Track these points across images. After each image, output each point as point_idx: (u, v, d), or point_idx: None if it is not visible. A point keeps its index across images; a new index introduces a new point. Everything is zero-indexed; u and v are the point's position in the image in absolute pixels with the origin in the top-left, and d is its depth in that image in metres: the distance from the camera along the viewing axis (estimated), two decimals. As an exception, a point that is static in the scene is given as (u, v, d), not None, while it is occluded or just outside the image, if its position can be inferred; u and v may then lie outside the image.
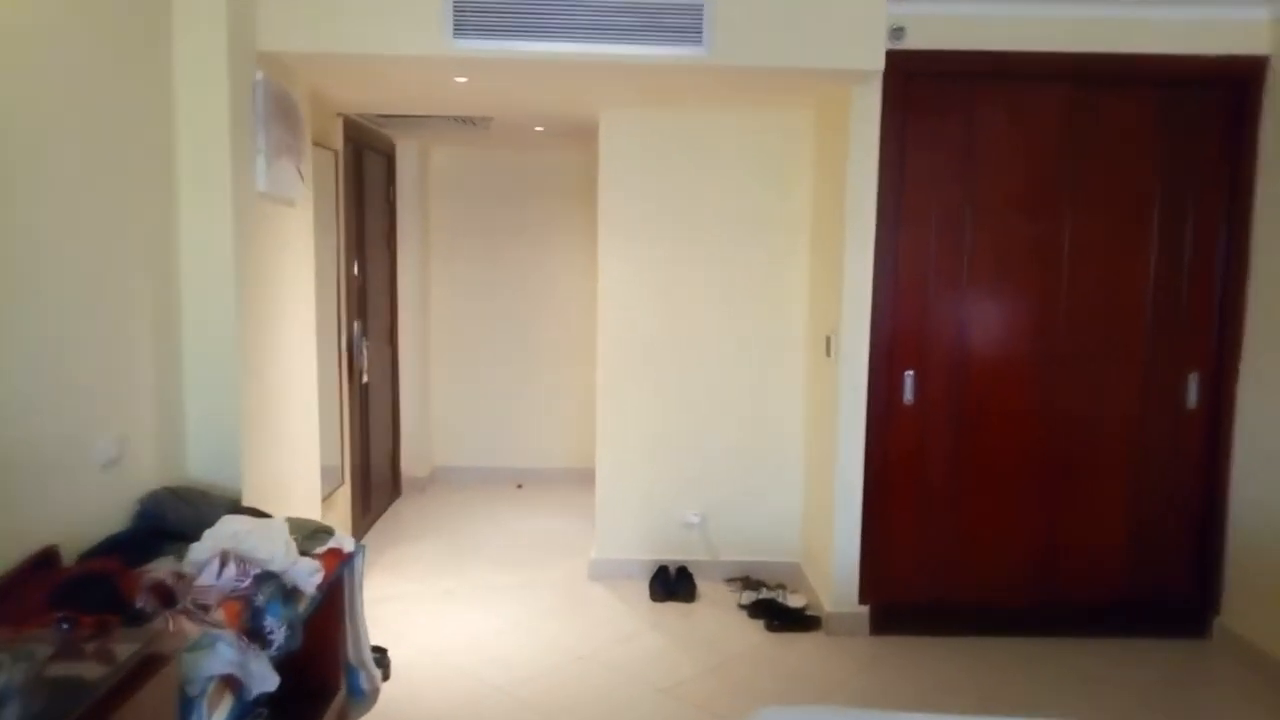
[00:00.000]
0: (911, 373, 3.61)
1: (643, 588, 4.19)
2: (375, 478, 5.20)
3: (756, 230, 4.21)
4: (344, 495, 4.56)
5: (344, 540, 2.80)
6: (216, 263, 2.91)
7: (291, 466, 3.49)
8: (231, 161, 2.91)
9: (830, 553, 3.73)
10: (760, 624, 3.82)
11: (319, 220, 4.14)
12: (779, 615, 3.82)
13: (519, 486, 6.02)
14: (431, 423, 6.03)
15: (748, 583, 4.20)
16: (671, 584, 4.11)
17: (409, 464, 5.79)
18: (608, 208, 4.21)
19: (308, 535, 2.70)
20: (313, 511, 3.73)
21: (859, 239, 3.55)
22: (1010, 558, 3.69)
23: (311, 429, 3.75)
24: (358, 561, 2.91)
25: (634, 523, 4.32)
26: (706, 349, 4.25)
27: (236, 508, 2.75)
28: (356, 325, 4.72)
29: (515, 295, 6.01)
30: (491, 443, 6.12)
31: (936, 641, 3.65)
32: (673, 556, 4.33)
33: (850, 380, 3.61)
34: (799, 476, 4.30)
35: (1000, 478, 3.66)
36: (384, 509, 5.41)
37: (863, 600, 3.72)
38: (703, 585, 4.23)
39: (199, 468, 2.94)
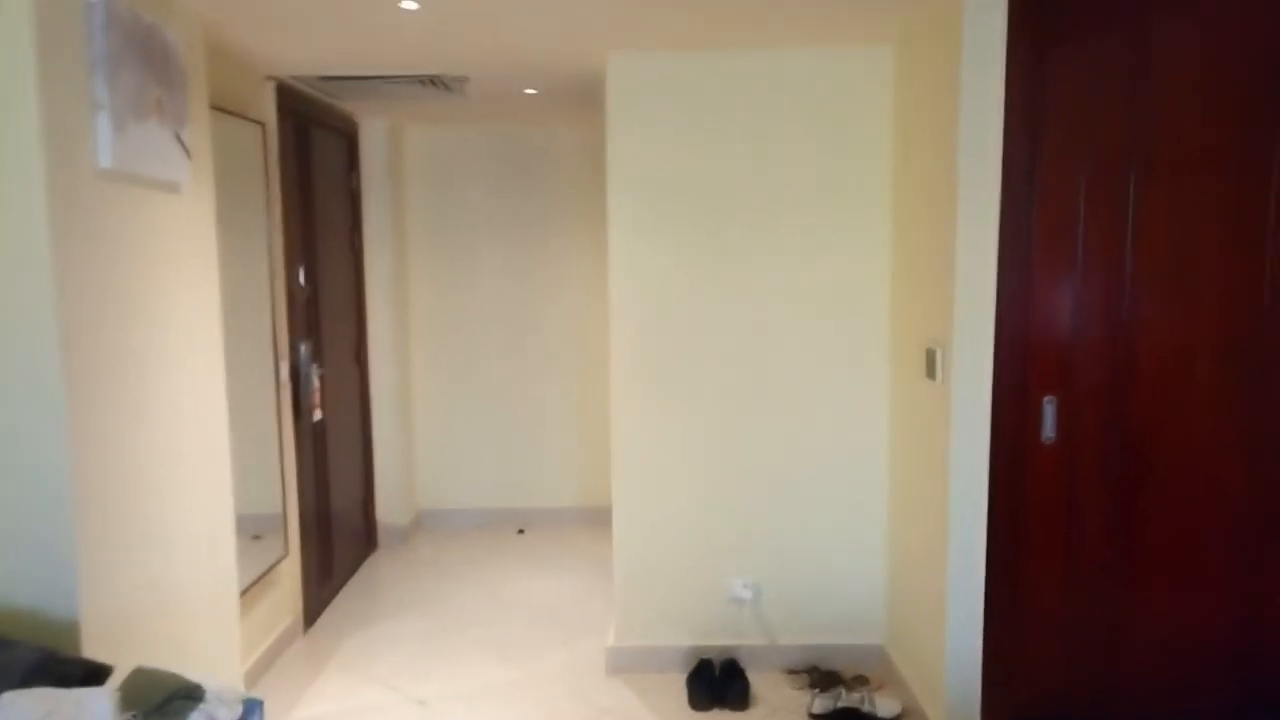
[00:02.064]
0: (1053, 400, 2.57)
1: (678, 687, 3.17)
2: (340, 533, 4.20)
3: (819, 209, 3.17)
4: (290, 569, 3.56)
5: (220, 708, 1.79)
6: (20, 278, 1.90)
7: (181, 563, 2.48)
8: (43, 122, 1.90)
9: (940, 648, 2.70)
10: (843, 746, 2.80)
11: (242, 215, 3.13)
12: (868, 733, 2.79)
13: (520, 532, 5.01)
14: (414, 459, 5.03)
15: (817, 677, 3.17)
16: (717, 684, 3.08)
17: (387, 510, 4.79)
18: (620, 183, 3.18)
19: (156, 709, 1.69)
20: (226, 622, 2.72)
21: (976, 214, 2.51)
22: (1197, 645, 2.65)
23: (220, 498, 2.74)
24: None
25: (665, 597, 3.29)
26: (755, 368, 3.22)
27: (47, 662, 1.74)
28: (304, 347, 3.71)
29: (512, 302, 5.00)
30: (487, 480, 5.11)
31: (1094, 773, 2.62)
32: (717, 641, 3.31)
33: (967, 410, 2.58)
34: (883, 535, 3.27)
35: (1181, 539, 2.62)
36: (354, 569, 4.40)
37: (988, 714, 2.68)
38: (758, 680, 3.20)
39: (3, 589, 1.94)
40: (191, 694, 1.77)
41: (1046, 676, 2.67)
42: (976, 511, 2.61)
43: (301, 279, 3.72)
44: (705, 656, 3.27)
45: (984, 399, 2.58)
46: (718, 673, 3.15)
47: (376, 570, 4.45)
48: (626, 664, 3.30)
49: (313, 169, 3.93)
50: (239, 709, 1.85)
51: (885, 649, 3.27)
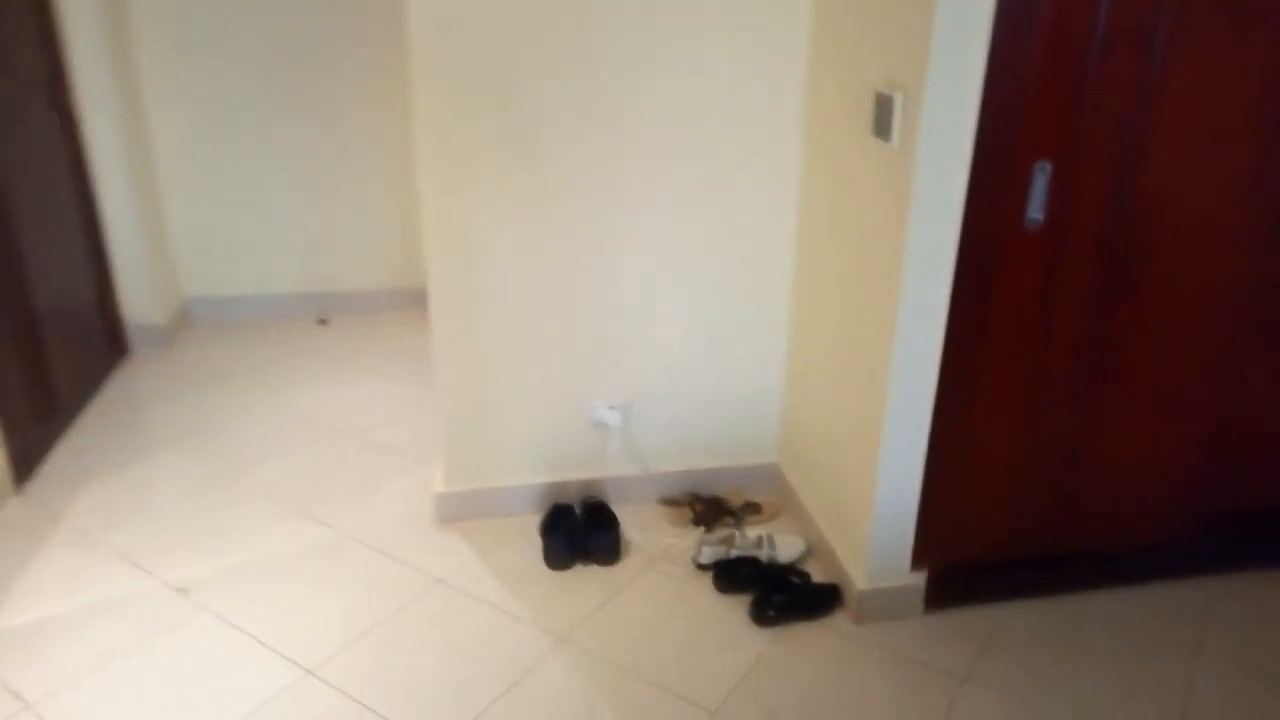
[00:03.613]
0: (1046, 167, 1.84)
1: (530, 537, 2.51)
2: (61, 343, 3.12)
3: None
4: (-30, 414, 2.53)
5: None
6: None
7: None
8: None
9: (867, 479, 2.11)
10: (739, 608, 2.24)
11: None
12: (768, 585, 2.24)
13: (322, 322, 4.06)
14: (168, 237, 3.86)
15: (701, 509, 2.58)
16: (579, 533, 2.43)
17: (137, 305, 3.68)
18: None
19: None
20: None
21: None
22: (1161, 474, 2.19)
23: None
24: None
25: (507, 425, 2.54)
26: (613, 121, 2.29)
27: None
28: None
29: (294, 34, 3.69)
30: (276, 258, 4.04)
31: (1037, 608, 2.20)
32: (577, 475, 2.62)
33: (933, 182, 1.82)
34: (782, 335, 2.58)
35: (1166, 353, 2.06)
36: (91, 391, 3.37)
37: (919, 558, 2.17)
38: (630, 517, 2.58)
39: None
40: None
41: (994, 515, 2.16)
42: (932, 316, 1.93)
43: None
44: (563, 498, 2.60)
45: (959, 166, 1.81)
46: (580, 517, 2.50)
47: (126, 389, 3.44)
48: (462, 510, 2.59)
49: None
50: None
51: (780, 469, 2.70)
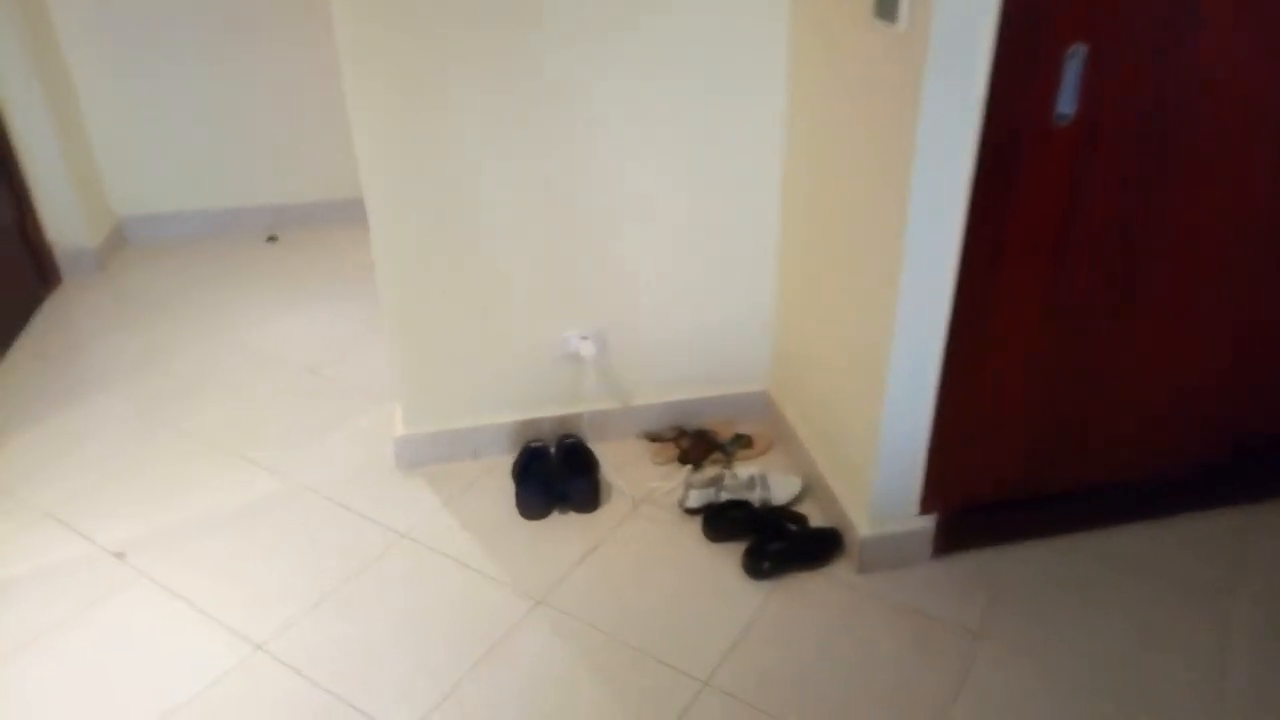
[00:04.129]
0: (1080, 51, 1.55)
1: (502, 482, 2.30)
2: (-24, 282, 2.83)
3: None
4: None
5: None
6: None
7: None
8: None
9: (873, 412, 1.89)
10: (731, 558, 2.05)
11: None
12: (762, 531, 2.05)
13: (271, 239, 3.75)
14: (91, 151, 3.50)
15: (687, 445, 2.37)
16: (555, 478, 2.22)
17: (63, 228, 3.36)
18: None
19: None
20: None
21: None
22: (1189, 398, 1.98)
23: None
24: None
25: (469, 361, 2.29)
26: (569, 24, 1.96)
27: None
28: None
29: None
30: (217, 169, 3.69)
31: (1054, 550, 2.02)
32: (549, 412, 2.39)
33: (949, 69, 1.52)
34: (771, 249, 2.31)
35: (1201, 265, 1.82)
36: (18, 324, 3.09)
37: (930, 499, 1.97)
38: (610, 455, 2.37)
39: None
40: None
41: (1009, 448, 1.95)
42: (945, 227, 1.66)
43: None
44: (537, 438, 2.37)
45: (980, 52, 1.52)
46: (555, 461, 2.28)
47: (56, 322, 3.15)
48: (426, 454, 2.36)
49: None
50: None
51: (772, 398, 2.48)
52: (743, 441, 2.39)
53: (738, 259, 2.29)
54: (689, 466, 2.32)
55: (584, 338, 2.30)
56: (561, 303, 2.25)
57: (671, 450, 2.37)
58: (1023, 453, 1.96)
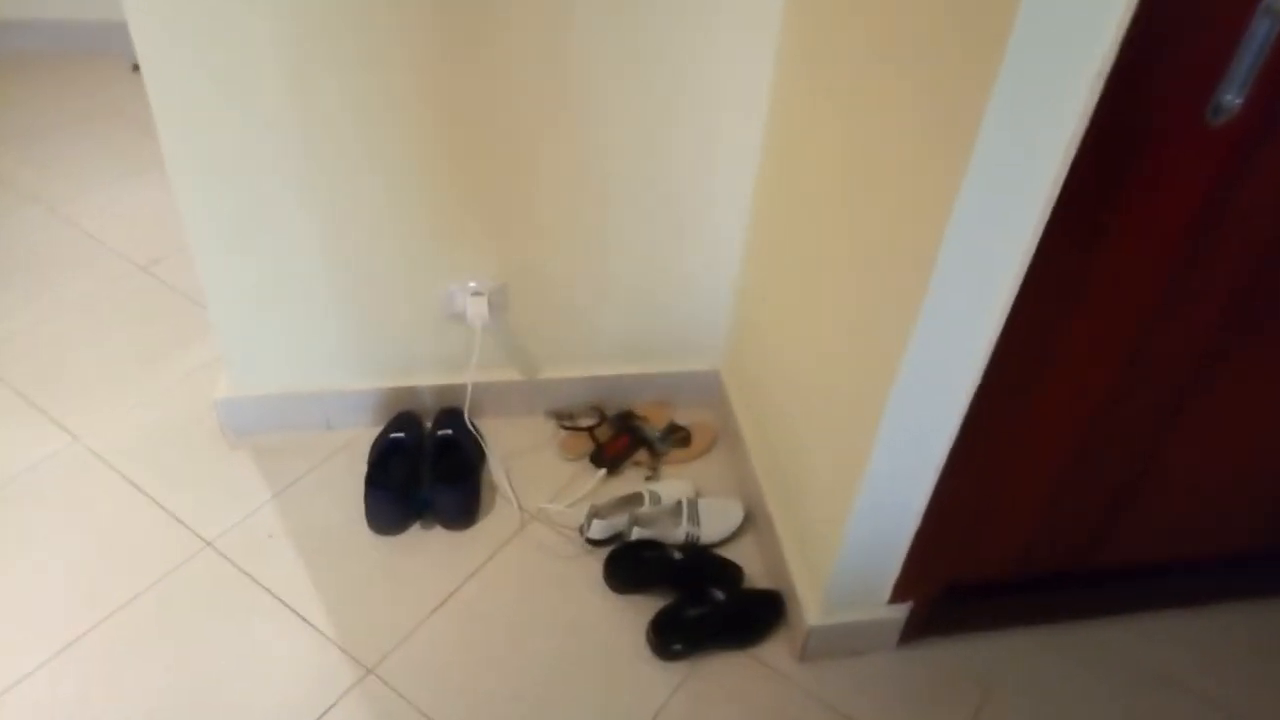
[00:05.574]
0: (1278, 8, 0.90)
1: (354, 468, 1.75)
2: None
3: None
4: None
5: None
6: None
7: None
8: None
9: (857, 461, 1.34)
10: (635, 616, 1.54)
11: None
12: (681, 587, 1.54)
13: (135, 69, 3.00)
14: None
15: (603, 435, 1.83)
16: (415, 481, 1.68)
17: None
18: None
19: None
20: None
21: None
22: (1258, 469, 1.45)
23: None
24: None
25: (321, 310, 1.69)
26: None
27: None
28: None
29: None
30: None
31: (1050, 641, 1.54)
32: (430, 380, 1.82)
33: (1059, 13, 0.88)
34: (744, 192, 1.67)
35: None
36: None
37: (906, 592, 1.46)
38: (504, 439, 1.82)
39: None
40: None
41: (1026, 520, 1.42)
42: (1007, 239, 1.05)
43: None
44: (409, 409, 1.81)
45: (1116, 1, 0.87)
46: (430, 445, 1.73)
47: None
48: (261, 420, 1.80)
49: None
50: None
51: (723, 381, 1.91)
52: (678, 437, 1.85)
53: (697, 199, 1.66)
54: (602, 472, 1.78)
55: (476, 293, 1.70)
56: (446, 243, 1.63)
57: (584, 443, 1.83)
58: (1044, 530, 1.44)
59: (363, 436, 1.81)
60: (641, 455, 1.82)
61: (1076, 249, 1.07)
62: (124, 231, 2.29)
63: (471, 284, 1.69)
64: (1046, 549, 1.47)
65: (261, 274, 1.61)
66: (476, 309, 1.69)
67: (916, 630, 1.52)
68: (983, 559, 1.46)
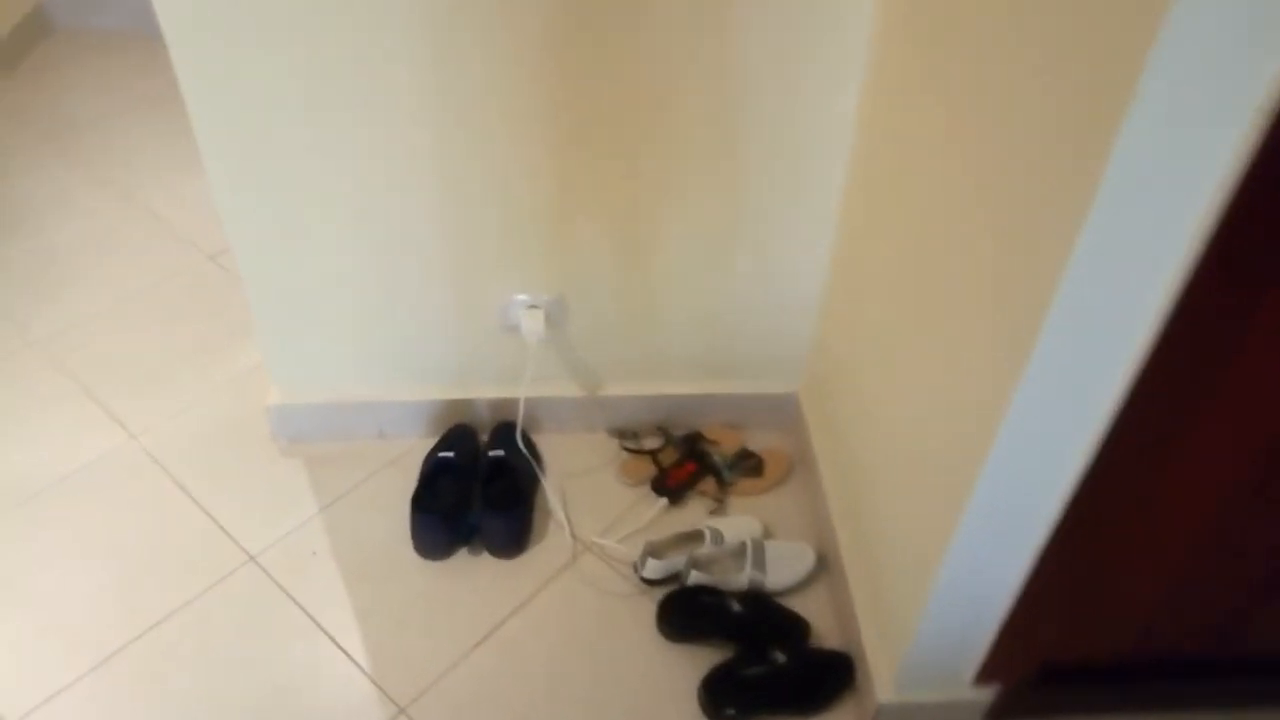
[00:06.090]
0: None
1: (406, 482, 1.66)
2: None
3: None
4: None
5: None
6: None
7: None
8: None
9: (942, 547, 1.18)
10: (689, 669, 1.41)
11: None
12: (741, 641, 1.41)
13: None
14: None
15: (667, 458, 1.69)
16: (464, 505, 1.58)
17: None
18: None
19: None
20: None
21: None
22: None
23: None
24: None
25: (379, 313, 1.60)
26: None
27: None
28: None
29: None
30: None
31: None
32: (486, 393, 1.72)
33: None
34: (832, 196, 1.50)
35: None
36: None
37: (992, 674, 1.29)
38: (563, 457, 1.71)
39: None
40: None
41: (1142, 602, 1.23)
42: (1150, 272, 0.86)
43: None
44: (461, 419, 1.71)
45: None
46: (484, 465, 1.63)
47: (-64, 139, 2.52)
48: (313, 429, 1.73)
49: None
50: None
51: (801, 405, 1.75)
52: (749, 465, 1.69)
53: (779, 205, 1.49)
54: (663, 501, 1.65)
55: (533, 305, 1.57)
56: (508, 255, 1.51)
57: (647, 467, 1.70)
58: (1168, 613, 1.24)
59: (417, 447, 1.72)
60: (708, 484, 1.68)
61: (1235, 287, 0.87)
62: (193, 219, 2.26)
63: (522, 297, 1.56)
64: (1170, 631, 1.27)
65: (311, 279, 1.53)
66: (532, 323, 1.57)
67: (1003, 714, 1.35)
68: (1090, 639, 1.27)
